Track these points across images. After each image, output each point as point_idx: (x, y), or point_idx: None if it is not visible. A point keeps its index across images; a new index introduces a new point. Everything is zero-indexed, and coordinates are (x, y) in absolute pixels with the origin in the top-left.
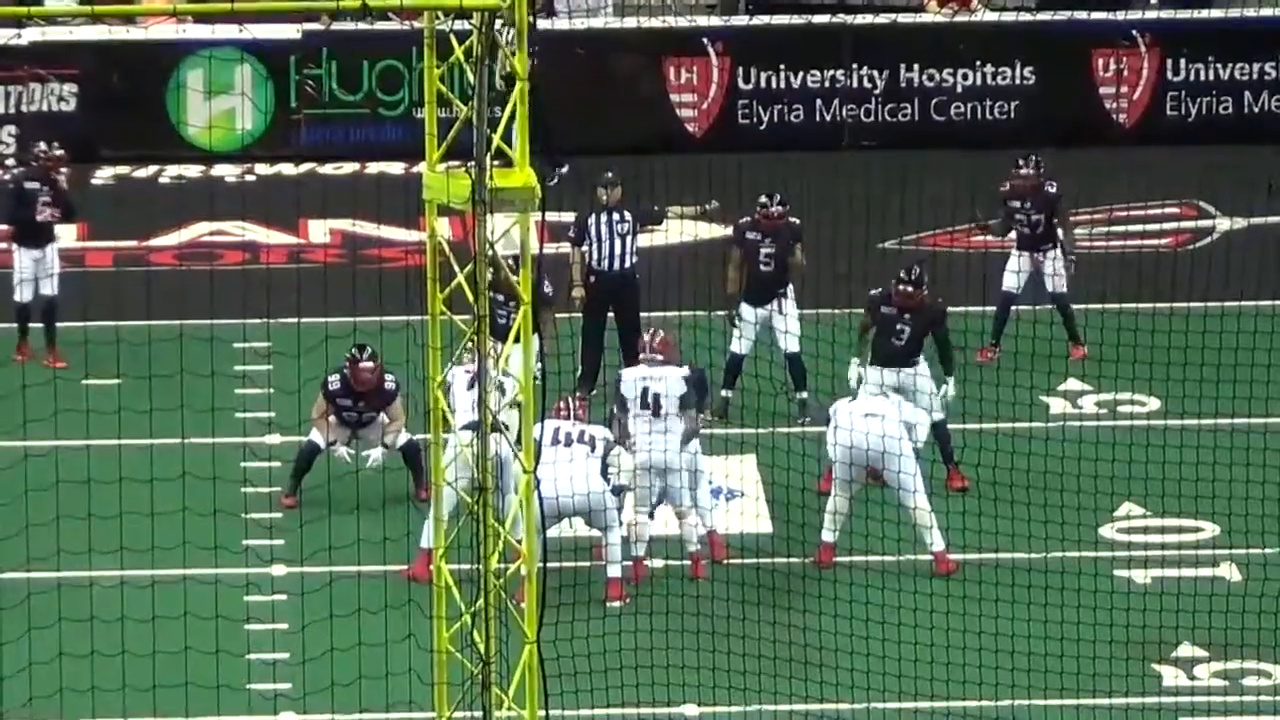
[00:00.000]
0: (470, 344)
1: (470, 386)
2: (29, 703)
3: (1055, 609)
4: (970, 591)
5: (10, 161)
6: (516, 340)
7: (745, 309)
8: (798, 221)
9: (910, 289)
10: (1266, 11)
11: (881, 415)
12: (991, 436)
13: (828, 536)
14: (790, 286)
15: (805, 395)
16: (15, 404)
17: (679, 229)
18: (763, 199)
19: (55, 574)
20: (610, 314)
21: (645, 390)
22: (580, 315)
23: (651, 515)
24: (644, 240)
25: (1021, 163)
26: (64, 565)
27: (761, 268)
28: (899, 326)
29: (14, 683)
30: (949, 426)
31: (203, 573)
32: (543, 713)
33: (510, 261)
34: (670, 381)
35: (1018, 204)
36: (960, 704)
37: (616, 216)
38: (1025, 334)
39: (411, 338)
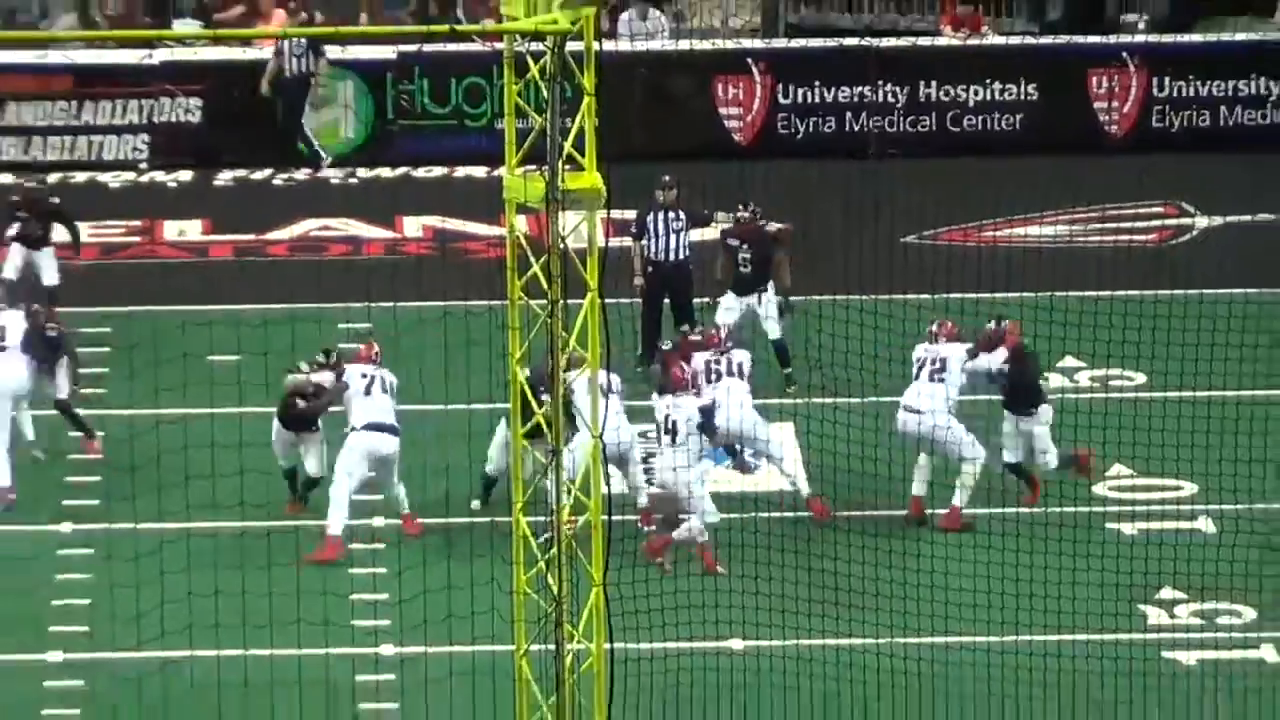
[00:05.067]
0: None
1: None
2: (161, 636)
3: (1054, 556)
4: (980, 541)
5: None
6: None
7: (730, 298)
8: (777, 226)
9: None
10: (1240, 36)
11: (919, 410)
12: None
13: (917, 489)
14: (770, 282)
15: (790, 371)
16: (149, 378)
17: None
18: (739, 210)
19: (185, 525)
20: (665, 300)
21: (667, 417)
22: (640, 301)
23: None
24: (694, 235)
25: (741, 206)
26: (193, 518)
27: (740, 269)
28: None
29: (150, 619)
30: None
31: (313, 523)
32: (608, 646)
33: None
34: (686, 410)
35: (736, 243)
36: (970, 639)
37: (672, 215)
38: (1029, 319)
39: (494, 320)
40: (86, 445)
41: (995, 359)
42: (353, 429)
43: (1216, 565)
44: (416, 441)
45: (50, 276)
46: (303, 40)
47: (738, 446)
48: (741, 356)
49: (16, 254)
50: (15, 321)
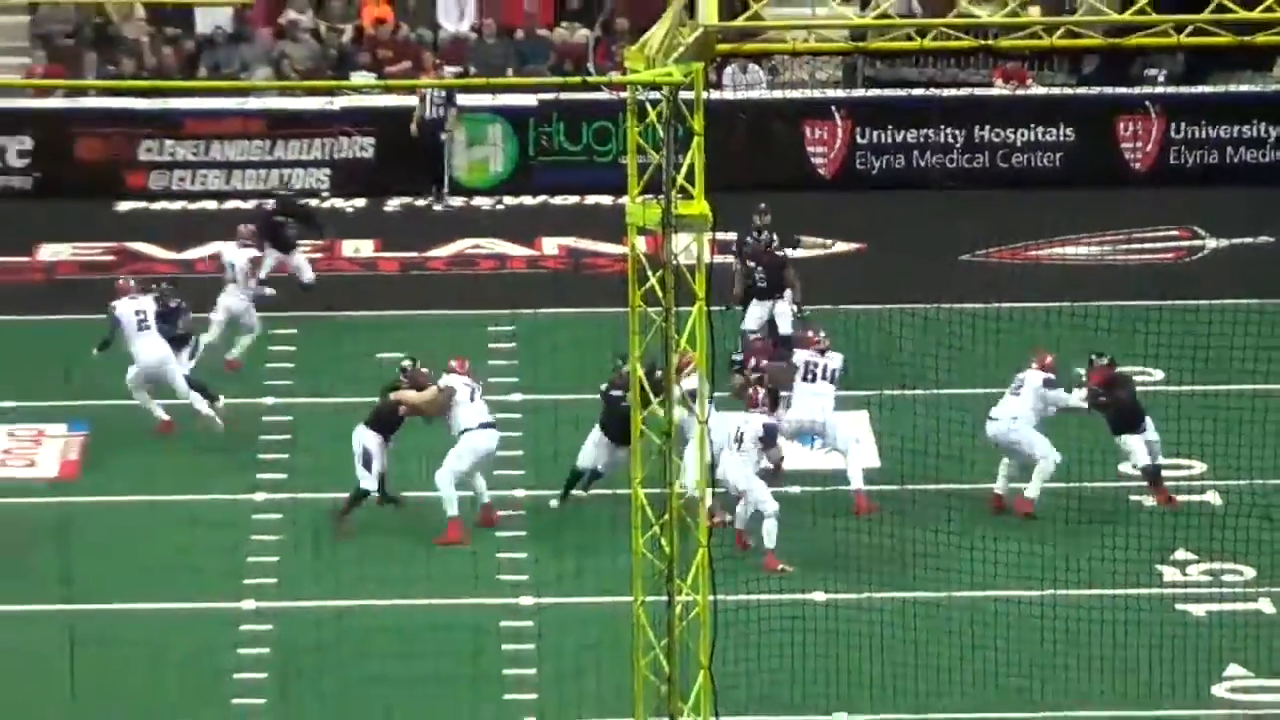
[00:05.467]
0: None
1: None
2: (337, 589)
3: (1085, 526)
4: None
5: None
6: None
7: (755, 305)
8: (784, 252)
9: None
10: (1244, 88)
11: (995, 418)
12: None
13: (998, 487)
14: (787, 290)
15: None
16: (329, 372)
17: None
18: (752, 237)
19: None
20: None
21: (738, 428)
22: (740, 308)
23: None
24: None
25: (754, 234)
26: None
27: (758, 284)
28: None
29: (330, 574)
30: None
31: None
32: (711, 597)
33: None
34: (754, 426)
35: (752, 265)
36: (1014, 593)
37: (767, 235)
38: (1066, 324)
39: (618, 325)
40: (163, 426)
41: (1071, 399)
42: (466, 429)
43: (1223, 532)
44: (551, 428)
45: (307, 275)
46: (442, 91)
47: (814, 437)
48: (836, 362)
49: (270, 258)
50: (148, 305)
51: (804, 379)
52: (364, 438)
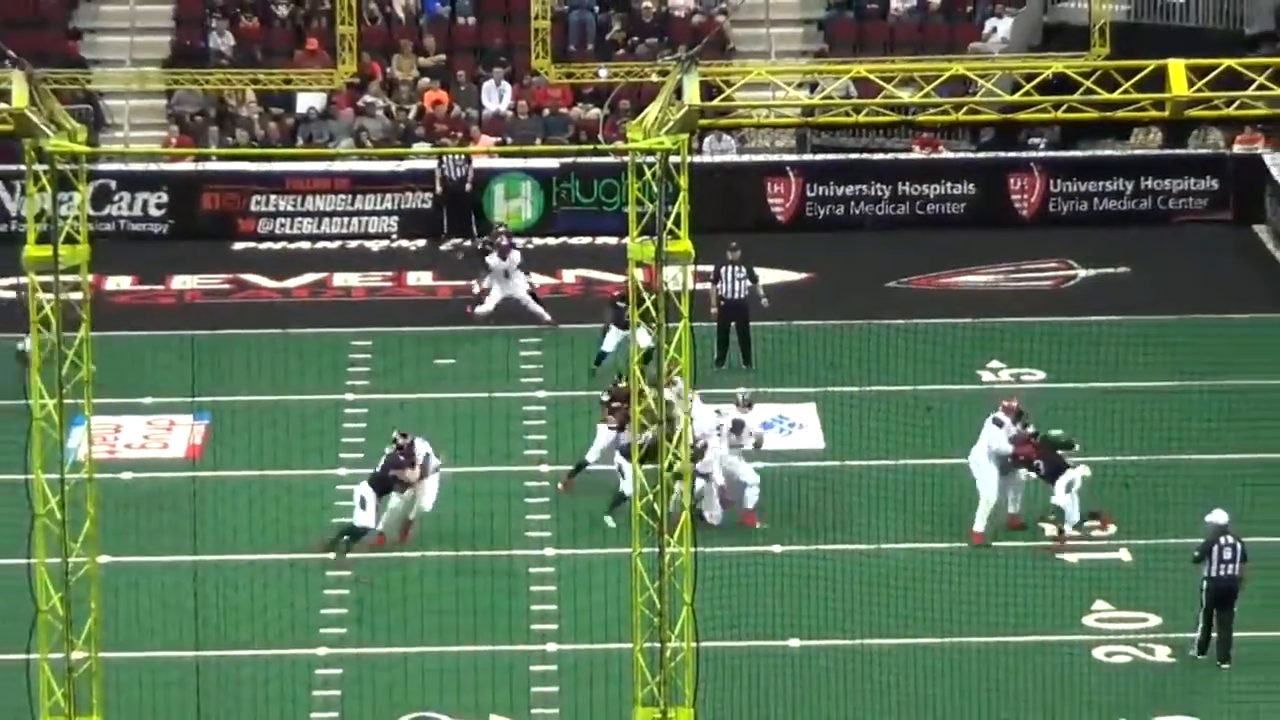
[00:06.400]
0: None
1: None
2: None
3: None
4: (961, 564)
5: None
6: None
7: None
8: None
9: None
10: (1108, 152)
11: (971, 453)
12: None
13: (977, 525)
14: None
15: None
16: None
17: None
18: (728, 254)
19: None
20: (732, 325)
21: (734, 421)
22: (714, 324)
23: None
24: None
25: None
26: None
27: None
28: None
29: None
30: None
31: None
32: (694, 550)
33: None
34: (727, 421)
35: (730, 271)
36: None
37: (737, 268)
38: (969, 336)
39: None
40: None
41: (1002, 441)
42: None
43: (1095, 493)
44: (570, 417)
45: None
46: (462, 156)
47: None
48: (755, 424)
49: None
50: None
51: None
52: (364, 491)
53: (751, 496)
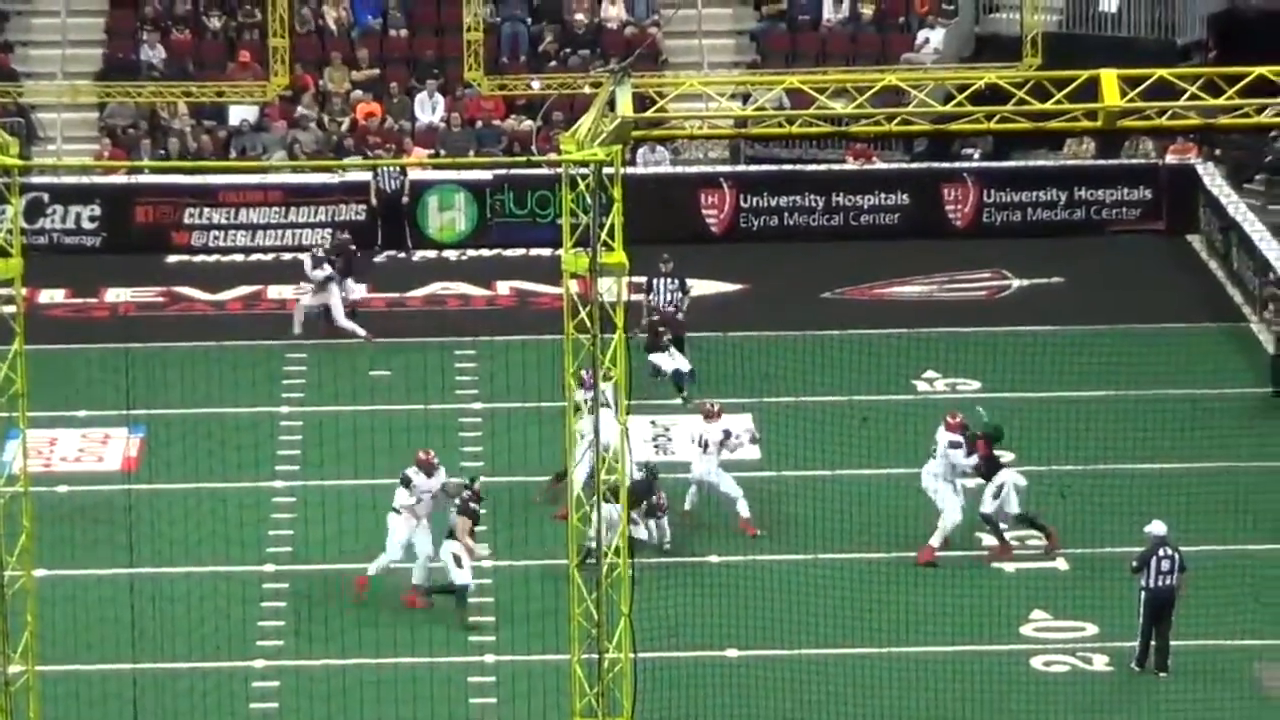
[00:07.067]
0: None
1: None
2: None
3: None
4: (905, 576)
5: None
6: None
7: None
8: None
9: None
10: (1041, 162)
11: (924, 474)
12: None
13: (935, 542)
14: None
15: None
16: (332, 386)
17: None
18: (660, 265)
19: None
20: (664, 334)
21: (700, 435)
22: (646, 335)
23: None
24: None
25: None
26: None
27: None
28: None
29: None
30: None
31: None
32: (632, 560)
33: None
34: (714, 432)
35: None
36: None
37: (670, 280)
38: (902, 347)
39: (556, 348)
40: None
41: (968, 464)
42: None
43: (1031, 500)
44: (505, 429)
45: (357, 293)
46: (397, 169)
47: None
48: (716, 434)
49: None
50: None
51: (696, 445)
52: (454, 549)
53: (744, 507)
